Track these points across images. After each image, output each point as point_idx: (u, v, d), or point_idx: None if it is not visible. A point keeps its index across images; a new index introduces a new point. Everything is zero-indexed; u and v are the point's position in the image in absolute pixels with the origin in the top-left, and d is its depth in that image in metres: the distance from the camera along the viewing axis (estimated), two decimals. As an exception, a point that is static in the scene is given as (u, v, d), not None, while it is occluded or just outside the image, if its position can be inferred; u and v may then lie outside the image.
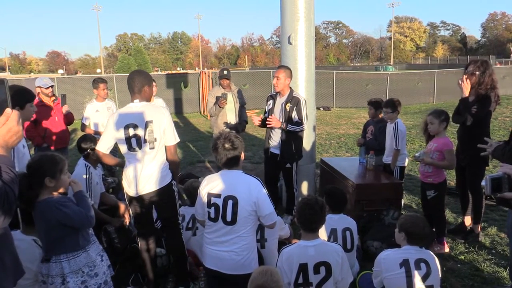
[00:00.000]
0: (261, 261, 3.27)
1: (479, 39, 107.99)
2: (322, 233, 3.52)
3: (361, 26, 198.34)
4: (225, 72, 6.34)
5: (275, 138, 5.24)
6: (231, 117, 6.29)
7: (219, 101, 6.06)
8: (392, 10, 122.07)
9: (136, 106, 3.43)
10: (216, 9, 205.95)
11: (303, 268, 2.88)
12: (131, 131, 3.37)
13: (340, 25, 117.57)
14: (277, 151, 5.23)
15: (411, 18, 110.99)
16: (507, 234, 4.33)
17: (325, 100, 18.87)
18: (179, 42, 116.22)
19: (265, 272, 2.50)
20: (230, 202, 2.94)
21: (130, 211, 3.70)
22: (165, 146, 3.53)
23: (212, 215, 3.02)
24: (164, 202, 3.57)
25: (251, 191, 2.93)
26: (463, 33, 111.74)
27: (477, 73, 4.46)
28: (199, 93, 17.99)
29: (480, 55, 76.09)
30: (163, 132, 3.44)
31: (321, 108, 17.98)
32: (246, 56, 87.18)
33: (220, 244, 3.01)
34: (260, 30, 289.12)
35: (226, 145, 2.95)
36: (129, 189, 3.50)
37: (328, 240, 3.57)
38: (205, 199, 3.06)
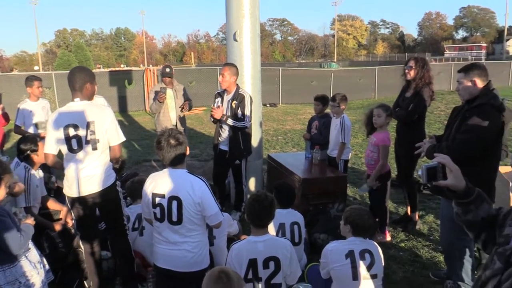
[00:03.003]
0: (210, 258, 3.26)
1: (416, 37, 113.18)
2: (271, 228, 3.56)
3: (305, 24, 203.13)
4: (167, 69, 6.26)
5: (224, 135, 5.23)
6: (173, 115, 6.22)
7: (158, 96, 6.00)
8: (335, 8, 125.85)
9: (76, 105, 3.29)
10: (160, 5, 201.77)
11: (252, 263, 2.90)
12: (71, 132, 3.23)
13: (285, 22, 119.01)
14: (226, 148, 5.23)
15: (353, 17, 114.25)
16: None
17: (272, 96, 19.03)
18: (123, 39, 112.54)
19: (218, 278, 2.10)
20: (174, 203, 2.88)
21: (72, 214, 3.55)
22: (110, 146, 3.40)
23: (158, 215, 2.95)
24: (108, 203, 3.45)
25: (195, 192, 2.87)
26: (402, 31, 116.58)
27: (416, 67, 4.69)
28: (144, 91, 17.53)
29: (417, 52, 79.84)
30: (106, 132, 3.31)
31: (268, 105, 18.12)
32: (192, 53, 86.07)
33: (171, 243, 2.96)
34: (206, 27, 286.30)
35: (172, 141, 2.86)
36: (70, 190, 3.35)
37: (277, 235, 3.62)
38: (149, 199, 2.99)
